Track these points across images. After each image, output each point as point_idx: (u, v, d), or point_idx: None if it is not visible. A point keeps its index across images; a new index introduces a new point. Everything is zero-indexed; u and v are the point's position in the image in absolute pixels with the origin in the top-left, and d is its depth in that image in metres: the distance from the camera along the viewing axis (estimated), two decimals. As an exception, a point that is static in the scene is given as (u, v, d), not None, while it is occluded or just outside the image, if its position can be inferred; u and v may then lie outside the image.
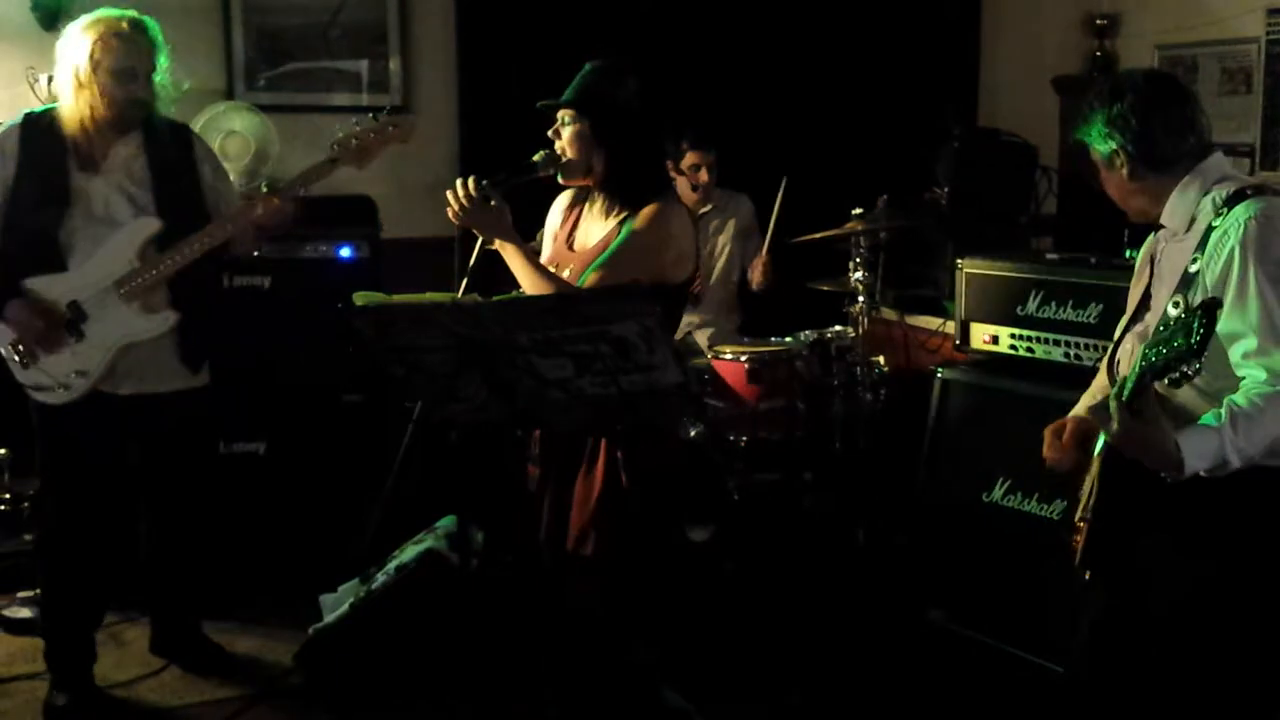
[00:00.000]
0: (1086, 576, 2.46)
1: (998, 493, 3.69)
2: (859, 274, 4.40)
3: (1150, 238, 2.54)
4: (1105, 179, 2.45)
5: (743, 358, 4.30)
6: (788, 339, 4.44)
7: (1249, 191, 2.30)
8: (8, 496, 4.29)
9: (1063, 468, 2.48)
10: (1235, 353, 2.23)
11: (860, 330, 4.38)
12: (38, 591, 3.97)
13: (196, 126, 4.39)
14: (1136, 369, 2.12)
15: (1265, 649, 2.35)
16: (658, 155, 3.01)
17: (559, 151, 2.90)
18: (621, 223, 2.85)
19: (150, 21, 3.30)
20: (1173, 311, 2.08)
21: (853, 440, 4.37)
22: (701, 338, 4.77)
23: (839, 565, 4.14)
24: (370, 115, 3.33)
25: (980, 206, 4.90)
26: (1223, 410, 2.17)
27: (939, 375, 3.94)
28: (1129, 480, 2.28)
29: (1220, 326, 2.15)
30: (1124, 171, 2.39)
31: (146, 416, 3.40)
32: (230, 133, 4.41)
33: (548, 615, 3.14)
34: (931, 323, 4.65)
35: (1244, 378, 2.22)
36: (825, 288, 4.60)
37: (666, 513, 3.12)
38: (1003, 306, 3.80)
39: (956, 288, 3.98)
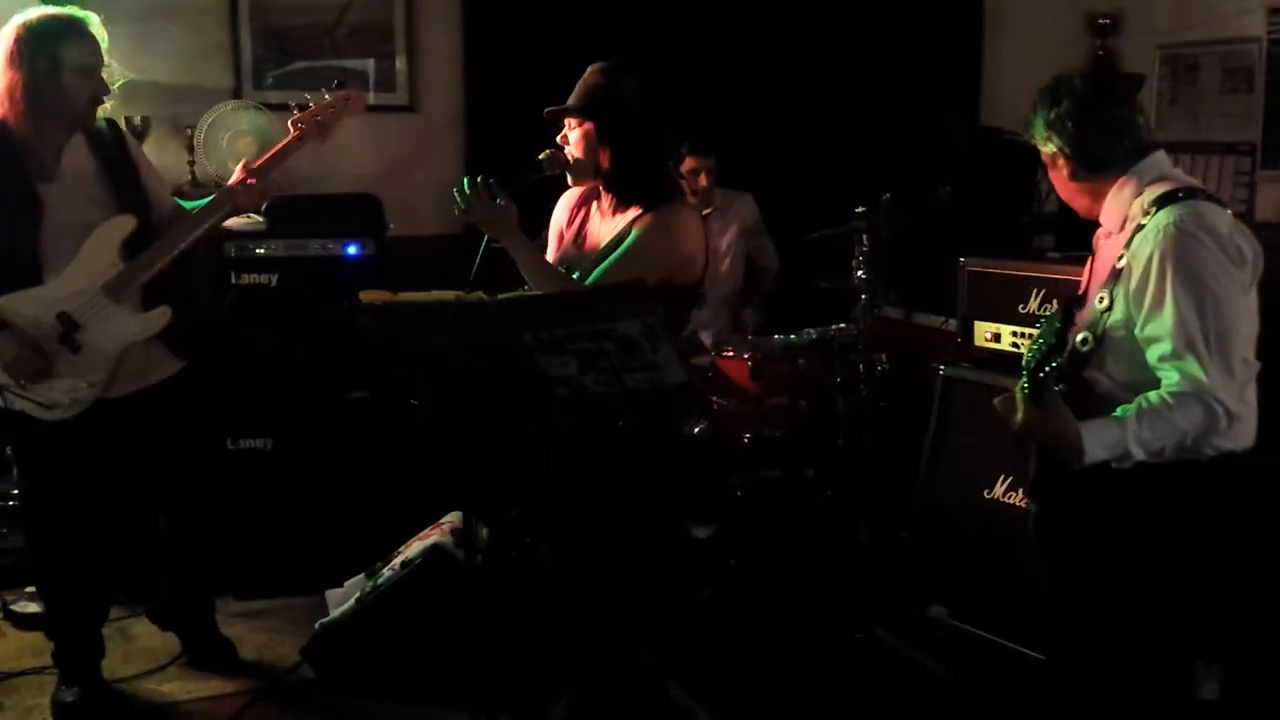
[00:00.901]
0: (1049, 561, 2.63)
1: (999, 490, 3.71)
2: (862, 272, 4.41)
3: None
4: (1052, 178, 2.58)
5: (746, 356, 4.32)
6: (791, 337, 4.45)
7: (1180, 194, 2.38)
8: (15, 493, 4.31)
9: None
10: (1153, 355, 2.34)
11: (863, 328, 4.39)
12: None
13: (204, 125, 4.43)
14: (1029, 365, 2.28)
15: (1170, 635, 2.50)
16: (662, 152, 3.03)
17: (567, 155, 2.93)
18: (631, 222, 2.87)
19: (95, 17, 3.22)
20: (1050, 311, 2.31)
21: (855, 438, 4.38)
22: (705, 337, 4.79)
23: (841, 562, 4.16)
24: (322, 91, 3.39)
25: (982, 205, 4.91)
26: (1133, 406, 2.30)
27: (941, 373, 3.96)
28: (1061, 468, 2.40)
29: (1139, 330, 2.34)
30: (1065, 172, 2.51)
31: (143, 411, 3.36)
32: (238, 131, 4.43)
33: (553, 612, 3.17)
34: (934, 321, 4.66)
35: (1162, 379, 2.33)
36: (828, 286, 4.61)
37: (670, 510, 3.14)
38: (1005, 305, 3.81)
39: (959, 286, 4.00)
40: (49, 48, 3.09)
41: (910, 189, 4.71)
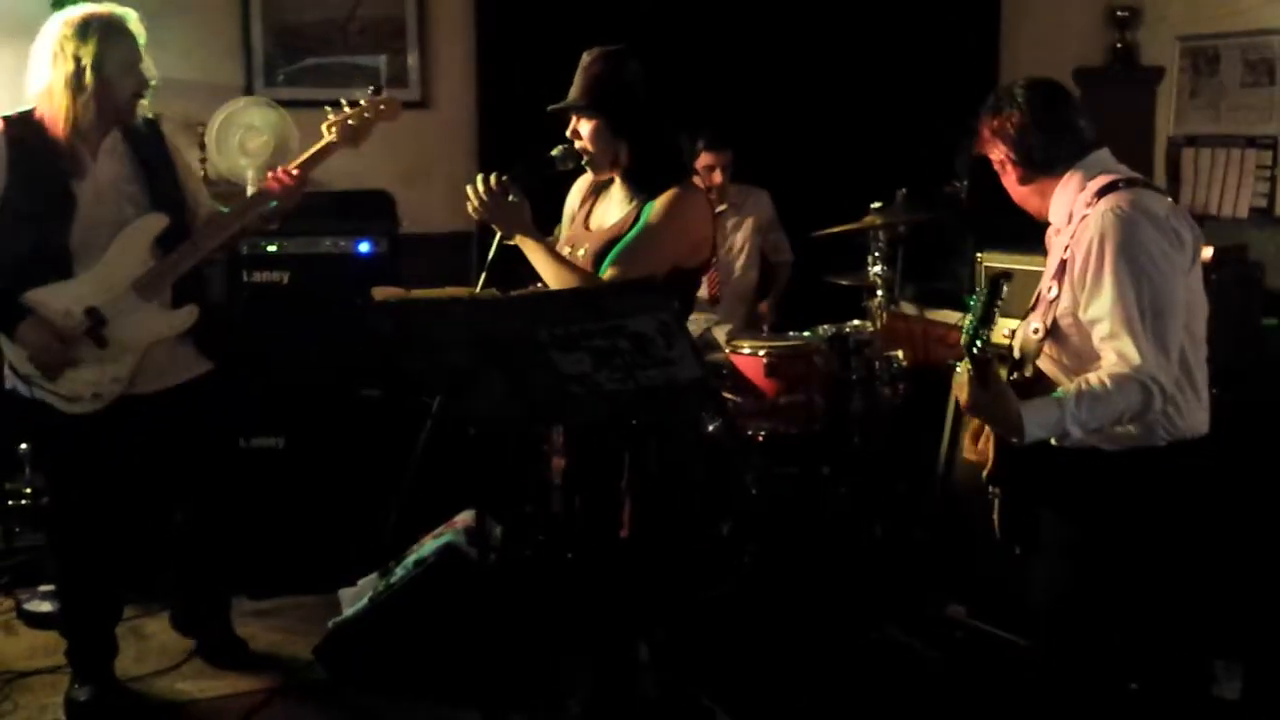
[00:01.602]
0: (1017, 551, 2.68)
1: (1017, 487, 3.68)
2: (878, 268, 4.39)
3: None
4: (1004, 184, 2.68)
5: (761, 352, 4.29)
6: (806, 334, 4.43)
7: (1120, 184, 2.48)
8: (29, 491, 4.32)
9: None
10: (1095, 336, 2.43)
11: (879, 325, 4.36)
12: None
13: (215, 122, 4.42)
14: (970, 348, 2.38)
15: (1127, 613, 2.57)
16: (674, 135, 3.00)
17: (580, 149, 2.90)
18: (639, 207, 2.85)
19: (132, 14, 3.23)
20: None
21: (871, 435, 4.35)
22: (720, 333, 4.76)
23: (857, 560, 4.13)
24: (358, 97, 3.37)
25: (1000, 200, 4.86)
26: (1073, 386, 2.38)
27: (958, 369, 3.92)
28: (1016, 452, 2.49)
29: (1083, 313, 2.44)
30: (1014, 177, 2.62)
31: (167, 410, 3.39)
32: (249, 128, 4.42)
33: (568, 610, 3.15)
34: (950, 317, 4.62)
35: (1102, 359, 2.42)
36: (844, 282, 4.59)
37: (686, 508, 3.12)
38: (1022, 300, 3.77)
39: (976, 282, 3.96)
40: (91, 45, 3.11)
41: (926, 184, 4.68)
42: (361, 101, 3.33)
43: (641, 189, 2.87)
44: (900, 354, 4.44)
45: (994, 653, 3.62)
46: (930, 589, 3.89)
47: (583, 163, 2.92)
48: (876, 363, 4.35)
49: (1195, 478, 2.53)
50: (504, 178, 2.84)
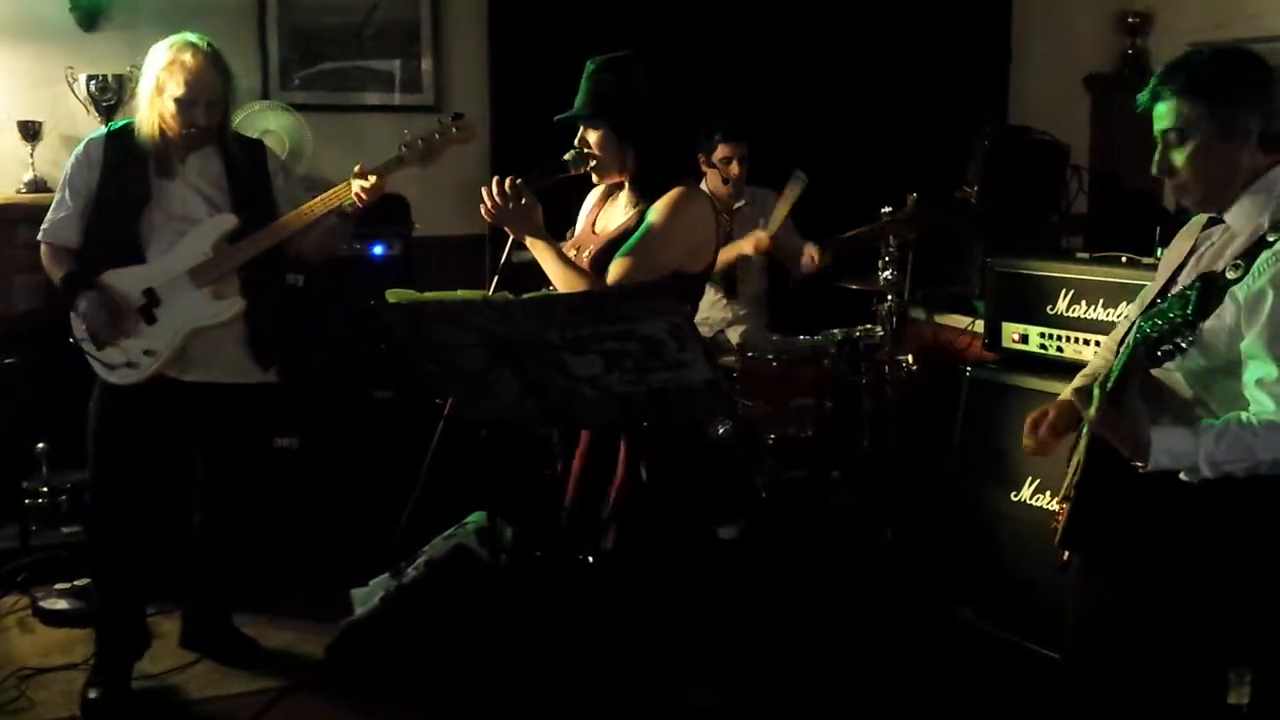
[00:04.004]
0: (1064, 558, 2.54)
1: (1026, 492, 3.69)
2: (888, 272, 4.40)
3: (1193, 222, 2.49)
4: (1173, 158, 2.34)
5: (771, 356, 4.30)
6: (817, 337, 4.44)
7: None
8: (45, 490, 4.35)
9: (1042, 454, 2.57)
10: (1250, 374, 2.21)
11: (889, 329, 4.37)
12: (74, 584, 4.04)
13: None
14: (1124, 357, 2.15)
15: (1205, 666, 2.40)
16: (683, 141, 3.01)
17: (589, 155, 2.92)
18: (643, 211, 2.86)
19: (218, 52, 3.41)
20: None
21: (881, 439, 4.37)
22: (733, 335, 4.78)
23: (867, 563, 4.14)
24: (436, 119, 3.45)
25: (1011, 205, 4.88)
26: (1219, 422, 2.18)
27: (968, 374, 3.93)
28: (1113, 465, 2.28)
29: (1244, 344, 2.19)
30: (1197, 142, 2.29)
31: (208, 406, 3.50)
32: (265, 132, 4.45)
33: (574, 611, 3.16)
34: (960, 321, 4.64)
35: (1252, 401, 2.20)
36: (854, 286, 4.60)
37: (693, 510, 3.13)
38: (1032, 305, 3.79)
39: (986, 286, 3.97)
40: (155, 75, 3.35)
41: (938, 189, 4.69)
42: (439, 124, 3.42)
43: (647, 194, 2.89)
44: (910, 358, 4.46)
45: (1000, 655, 3.63)
46: (939, 591, 3.90)
47: (590, 168, 2.94)
48: (887, 367, 4.37)
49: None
50: (518, 181, 2.86)
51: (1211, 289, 2.02)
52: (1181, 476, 2.20)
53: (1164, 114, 2.33)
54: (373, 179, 3.34)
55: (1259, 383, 2.19)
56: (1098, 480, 2.40)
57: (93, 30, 4.63)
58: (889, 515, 4.26)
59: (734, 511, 4.13)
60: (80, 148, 3.48)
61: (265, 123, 4.52)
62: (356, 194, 3.36)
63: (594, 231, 3.00)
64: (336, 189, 3.41)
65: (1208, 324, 2.14)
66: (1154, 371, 2.24)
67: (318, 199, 3.44)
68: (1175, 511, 2.29)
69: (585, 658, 3.09)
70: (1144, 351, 2.10)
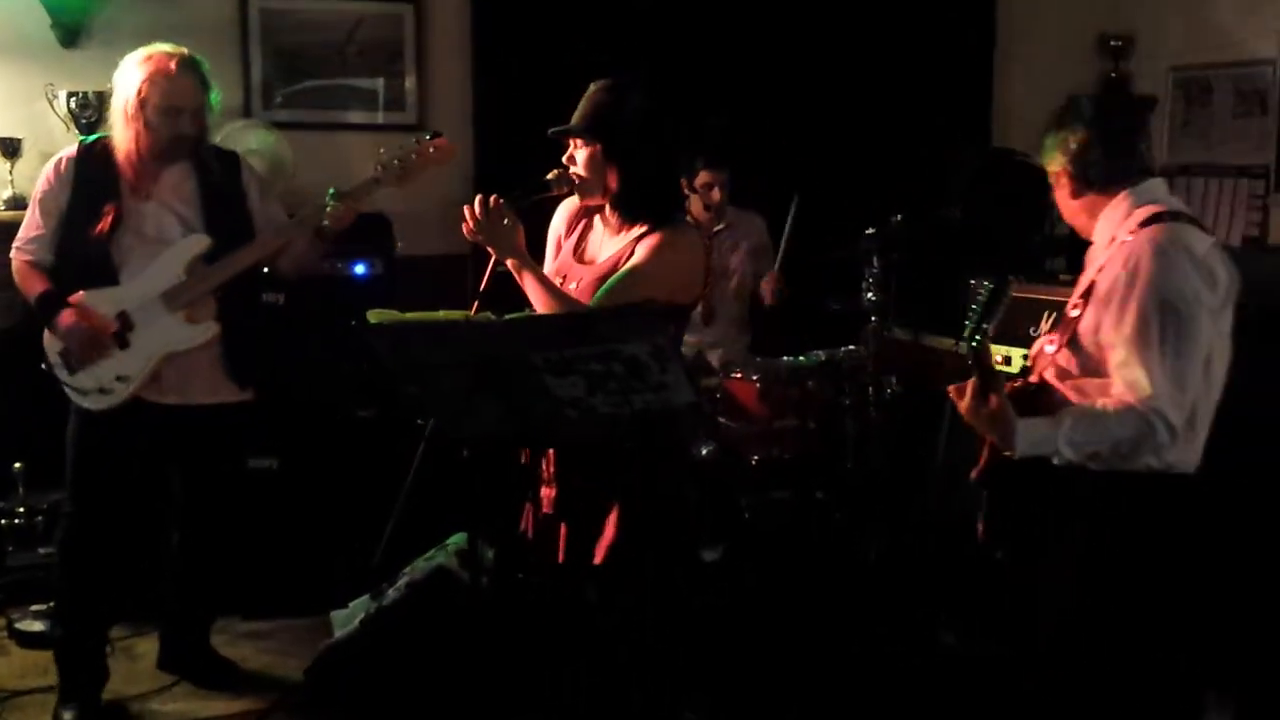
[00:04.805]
0: (998, 556, 2.74)
1: (1010, 513, 3.68)
2: (871, 294, 4.40)
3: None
4: (1055, 197, 2.68)
5: (754, 377, 4.30)
6: (800, 358, 4.44)
7: (1166, 217, 2.47)
8: (22, 510, 4.31)
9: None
10: (1111, 361, 2.43)
11: (872, 350, 4.37)
12: (50, 605, 3.99)
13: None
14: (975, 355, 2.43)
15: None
16: (670, 170, 3.02)
17: (574, 174, 2.92)
18: (636, 240, 2.86)
19: (200, 60, 3.39)
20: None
21: (865, 459, 4.36)
22: (713, 357, 4.77)
23: (851, 584, 4.13)
24: (413, 138, 3.42)
25: (993, 227, 4.90)
26: (1076, 408, 2.42)
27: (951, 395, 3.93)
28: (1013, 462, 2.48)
29: (1103, 334, 2.44)
30: (1066, 190, 2.62)
31: (186, 427, 3.47)
32: (247, 150, 4.43)
33: (559, 634, 3.14)
34: (944, 343, 4.64)
35: (1113, 385, 2.42)
36: (838, 307, 4.59)
37: (678, 532, 3.12)
38: (1015, 327, 3.79)
39: (971, 302, 3.97)
40: (134, 86, 3.30)
41: (921, 210, 4.70)
42: (416, 142, 3.39)
43: (630, 216, 2.88)
44: (894, 379, 4.46)
45: (982, 666, 3.62)
46: (924, 611, 3.88)
47: (575, 188, 2.93)
48: (870, 388, 4.36)
49: (1171, 511, 2.50)
50: (501, 200, 2.85)
51: (1000, 289, 2.47)
52: (1054, 461, 2.42)
53: None
54: (345, 204, 3.34)
55: (1115, 366, 2.42)
56: (1002, 477, 2.57)
57: (73, 47, 4.61)
58: (873, 536, 4.25)
59: (717, 533, 4.11)
60: (50, 164, 3.44)
61: (247, 141, 4.51)
62: (330, 216, 3.35)
63: (581, 260, 2.99)
64: (312, 210, 3.39)
65: (1083, 340, 2.48)
66: (1047, 376, 2.55)
67: (293, 220, 3.41)
68: (1075, 506, 2.50)
69: (571, 676, 3.07)
70: (976, 349, 2.43)
